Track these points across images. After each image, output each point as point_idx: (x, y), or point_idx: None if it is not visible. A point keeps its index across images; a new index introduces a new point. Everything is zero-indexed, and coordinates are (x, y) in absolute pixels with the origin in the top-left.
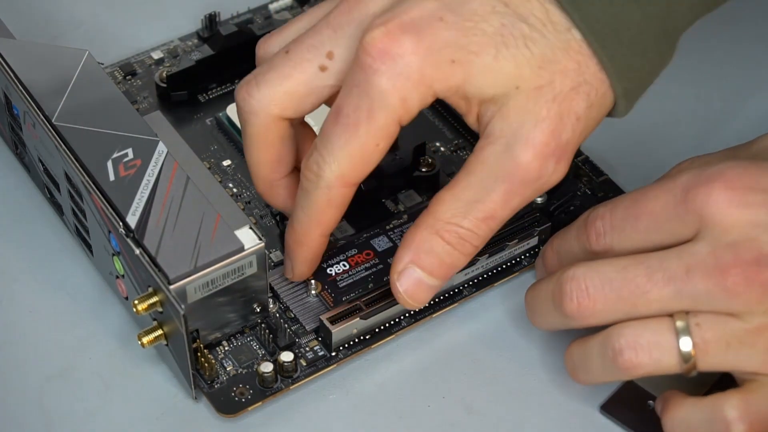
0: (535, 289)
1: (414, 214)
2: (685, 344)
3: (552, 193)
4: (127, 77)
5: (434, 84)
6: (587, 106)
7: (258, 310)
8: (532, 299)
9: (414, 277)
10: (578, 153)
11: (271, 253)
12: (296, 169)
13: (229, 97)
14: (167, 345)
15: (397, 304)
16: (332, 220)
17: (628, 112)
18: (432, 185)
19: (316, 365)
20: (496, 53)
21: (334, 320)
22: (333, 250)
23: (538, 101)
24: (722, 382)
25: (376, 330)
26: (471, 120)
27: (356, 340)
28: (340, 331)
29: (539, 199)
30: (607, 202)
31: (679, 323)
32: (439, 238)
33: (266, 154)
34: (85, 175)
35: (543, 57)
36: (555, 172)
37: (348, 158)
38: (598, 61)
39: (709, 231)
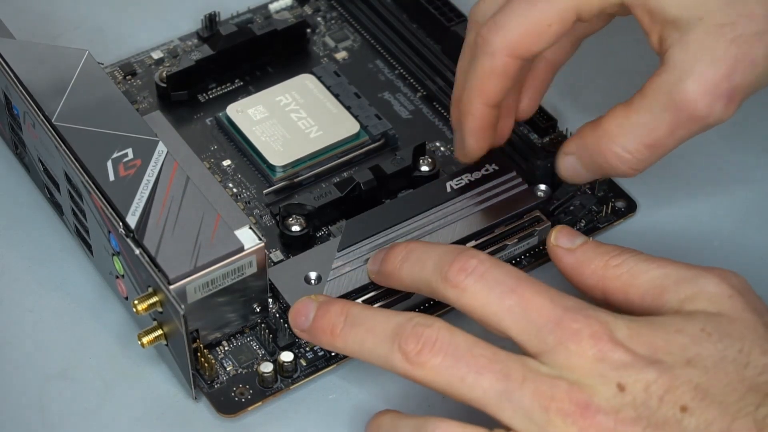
0: (369, 310)
1: None
2: None
3: (552, 193)
4: (127, 77)
5: None
6: (766, 55)
7: (258, 310)
8: (362, 316)
9: (572, 166)
10: None
11: (271, 253)
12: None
13: (229, 97)
14: (167, 345)
15: (397, 304)
16: (495, 91)
17: None
18: (434, 185)
19: (316, 365)
20: None
21: None
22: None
23: (718, 39)
24: None
25: None
26: (653, 40)
27: None
28: None
29: (541, 193)
30: (493, 257)
31: None
32: (603, 152)
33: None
34: (85, 175)
35: None
36: (723, 114)
37: (518, 28)
38: None
39: (560, 360)
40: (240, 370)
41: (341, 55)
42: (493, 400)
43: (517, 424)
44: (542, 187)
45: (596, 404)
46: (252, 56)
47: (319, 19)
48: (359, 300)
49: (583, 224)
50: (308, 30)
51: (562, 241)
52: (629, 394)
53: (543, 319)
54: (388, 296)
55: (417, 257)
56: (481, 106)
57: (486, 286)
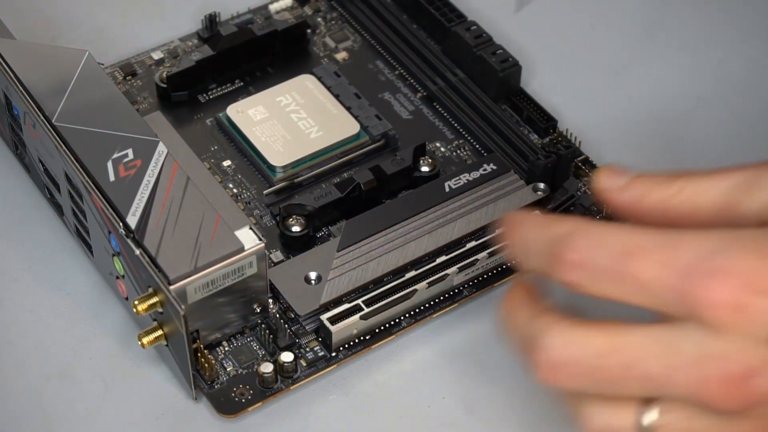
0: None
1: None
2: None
3: (552, 193)
4: (127, 77)
5: None
6: None
7: (258, 310)
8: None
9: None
10: (578, 153)
11: (271, 253)
12: None
13: (229, 97)
14: (167, 345)
15: (398, 304)
16: None
17: None
18: (433, 185)
19: (316, 365)
20: None
21: (334, 320)
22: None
23: None
24: None
25: (376, 330)
26: None
27: (356, 340)
28: (340, 331)
29: (539, 192)
30: (591, 230)
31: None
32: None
33: None
34: (85, 176)
35: None
36: None
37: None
38: None
39: (700, 330)
40: (240, 370)
41: (341, 56)
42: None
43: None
44: (541, 185)
45: (754, 367)
46: (252, 57)
47: (319, 19)
48: (360, 300)
49: None
50: (308, 30)
51: (610, 182)
52: None
53: (664, 290)
54: (390, 295)
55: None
56: None
57: (593, 279)
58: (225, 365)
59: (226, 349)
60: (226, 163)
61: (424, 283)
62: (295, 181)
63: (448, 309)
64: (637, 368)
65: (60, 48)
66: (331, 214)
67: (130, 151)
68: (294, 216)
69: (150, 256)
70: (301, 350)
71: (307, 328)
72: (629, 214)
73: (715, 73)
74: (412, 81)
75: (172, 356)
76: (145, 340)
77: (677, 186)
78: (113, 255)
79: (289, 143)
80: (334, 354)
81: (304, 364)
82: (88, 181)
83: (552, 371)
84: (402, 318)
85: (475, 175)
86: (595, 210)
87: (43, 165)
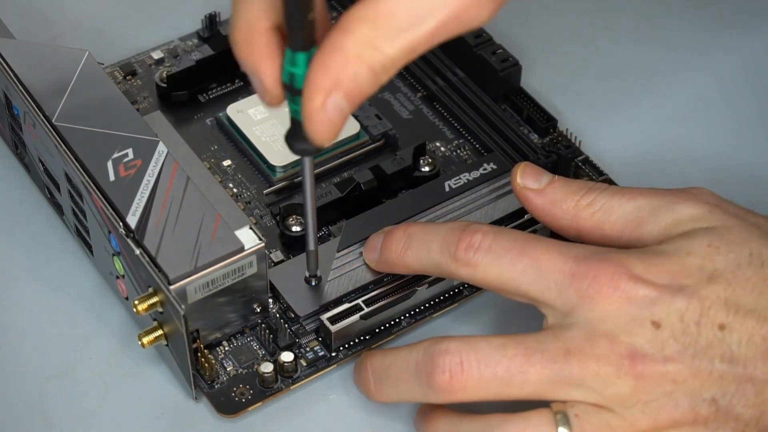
0: (388, 357)
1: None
2: None
3: None
4: (127, 77)
5: None
6: None
7: (258, 310)
8: (384, 368)
9: (338, 106)
10: (578, 152)
11: (271, 253)
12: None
13: (229, 97)
14: (167, 345)
15: (398, 304)
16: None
17: None
18: (432, 185)
19: (316, 365)
20: None
21: (334, 320)
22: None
23: None
24: None
25: (376, 330)
26: None
27: (356, 340)
28: (340, 331)
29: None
30: (493, 226)
31: (559, 415)
32: (364, 65)
33: None
34: (85, 175)
35: None
36: (487, 15)
37: None
38: None
39: (589, 314)
40: (240, 370)
41: None
42: (547, 389)
43: (577, 397)
44: None
45: (640, 350)
46: None
47: None
48: (360, 300)
49: None
50: None
51: (529, 181)
52: (666, 328)
53: (557, 274)
54: (390, 295)
55: (420, 241)
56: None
57: (496, 257)
58: (225, 365)
59: (226, 348)
60: (226, 162)
61: (424, 283)
62: (295, 180)
63: (448, 309)
64: (538, 354)
65: (60, 48)
66: (331, 214)
67: (130, 151)
68: (294, 216)
69: (150, 256)
70: (301, 350)
71: (307, 328)
72: (542, 216)
73: (715, 72)
74: (412, 80)
75: (172, 356)
76: (145, 340)
77: (590, 198)
78: (113, 255)
79: None
80: (334, 354)
81: (304, 364)
82: (88, 180)
83: (456, 368)
84: (402, 318)
85: (475, 174)
86: None
87: (43, 165)
